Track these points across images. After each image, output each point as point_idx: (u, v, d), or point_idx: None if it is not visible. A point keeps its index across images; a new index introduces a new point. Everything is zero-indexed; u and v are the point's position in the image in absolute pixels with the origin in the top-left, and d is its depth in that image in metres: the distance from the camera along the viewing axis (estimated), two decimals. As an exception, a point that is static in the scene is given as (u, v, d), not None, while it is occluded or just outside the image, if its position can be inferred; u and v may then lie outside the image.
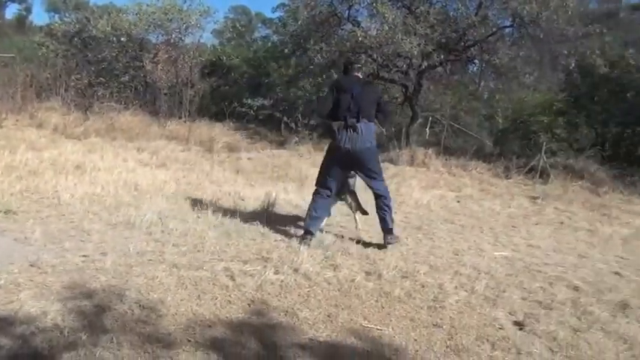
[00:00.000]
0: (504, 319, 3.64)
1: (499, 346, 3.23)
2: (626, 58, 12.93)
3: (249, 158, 9.93)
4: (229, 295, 3.51)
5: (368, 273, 4.22)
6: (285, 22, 15.63)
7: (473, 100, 16.59)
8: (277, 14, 16.06)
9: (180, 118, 13.59)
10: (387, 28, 11.28)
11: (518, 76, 12.47)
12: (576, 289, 4.42)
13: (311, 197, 5.07)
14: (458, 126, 16.07)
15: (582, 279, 4.73)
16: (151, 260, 4.08)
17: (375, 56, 12.45)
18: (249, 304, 3.42)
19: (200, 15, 15.09)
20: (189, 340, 2.89)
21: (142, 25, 14.65)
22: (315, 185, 5.10)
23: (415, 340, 3.20)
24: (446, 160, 11.57)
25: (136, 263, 3.99)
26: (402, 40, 10.96)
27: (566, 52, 11.57)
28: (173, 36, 15.09)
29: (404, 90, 13.75)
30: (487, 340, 3.29)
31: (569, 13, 10.87)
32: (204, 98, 15.49)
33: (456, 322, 3.51)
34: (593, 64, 12.48)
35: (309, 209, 4.99)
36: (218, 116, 15.06)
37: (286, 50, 14.74)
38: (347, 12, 13.20)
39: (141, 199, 6.02)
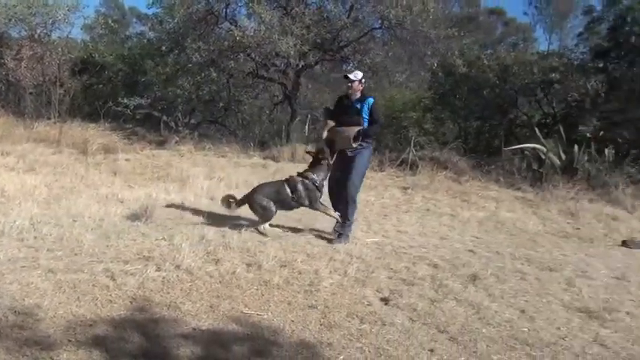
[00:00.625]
0: (372, 297, 4.06)
1: (367, 320, 3.62)
2: (481, 59, 14.31)
3: (127, 159, 9.69)
4: (110, 295, 3.57)
5: (248, 264, 4.45)
6: (161, 18, 15.26)
7: (350, 98, 17.37)
8: (153, 10, 15.64)
9: (49, 119, 12.80)
10: (264, 28, 11.54)
11: (389, 74, 13.30)
12: (435, 266, 5.00)
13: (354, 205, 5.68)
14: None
15: (441, 257, 5.34)
16: (24, 267, 3.98)
17: (253, 55, 12.67)
18: (130, 302, 3.50)
19: (68, 10, 14.29)
20: (69, 341, 2.93)
21: (2, 19, 13.58)
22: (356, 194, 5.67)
23: (292, 321, 3.49)
24: (324, 155, 12.05)
25: (8, 270, 3.88)
26: (278, 40, 11.28)
27: (429, 52, 12.57)
28: (38, 31, 14.15)
29: (283, 89, 14.10)
30: (356, 316, 3.67)
31: (431, 17, 11.84)
32: (75, 98, 14.68)
33: (330, 302, 3.86)
34: (453, 64, 13.67)
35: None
36: (92, 116, 14.37)
37: (163, 48, 14.42)
38: (224, 11, 13.26)
39: (9, 205, 5.74)
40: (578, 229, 8.07)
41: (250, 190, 5.81)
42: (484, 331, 3.65)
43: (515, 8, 63.06)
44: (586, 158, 11.90)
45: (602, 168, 11.54)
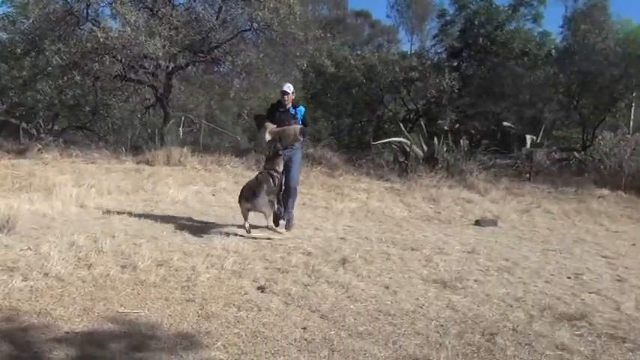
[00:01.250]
0: (249, 287, 4.25)
1: (243, 307, 3.80)
2: (348, 60, 15.07)
3: (-18, 171, 8.97)
4: (-27, 307, 3.41)
5: (123, 267, 4.43)
6: (13, 18, 14.18)
7: (225, 99, 17.38)
8: (3, 9, 14.47)
9: None
10: (129, 29, 11.22)
11: (261, 75, 13.53)
12: (309, 254, 5.31)
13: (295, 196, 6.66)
14: (213, 125, 16.71)
15: (314, 246, 5.67)
16: None
17: (120, 57, 12.25)
18: (-4, 313, 3.38)
19: None
20: None
21: None
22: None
23: (170, 315, 3.58)
24: (201, 157, 12.04)
25: None
26: (146, 41, 11.04)
27: (299, 53, 12.99)
28: None
29: (154, 91, 13.79)
30: (234, 305, 3.83)
31: (297, 19, 12.26)
32: None
33: (207, 295, 3.99)
34: (322, 65, 14.25)
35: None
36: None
37: (18, 50, 13.45)
38: (85, 11, 12.67)
39: None
40: (439, 212, 8.89)
41: (248, 194, 5.98)
42: (352, 307, 3.99)
43: (380, 11, 66.52)
44: (445, 149, 13.06)
45: (459, 157, 12.74)
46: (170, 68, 12.90)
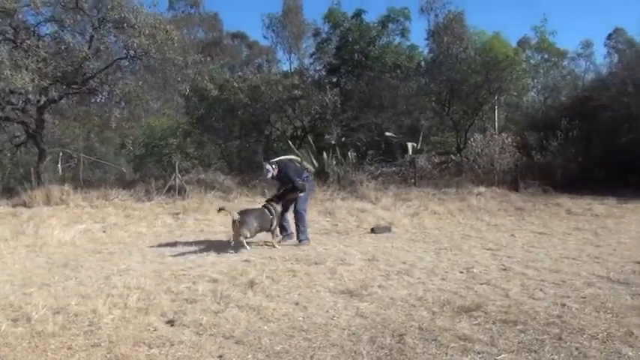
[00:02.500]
0: (157, 322, 4.12)
1: (154, 344, 3.69)
2: (230, 82, 15.07)
3: None
4: None
5: (15, 320, 4.11)
6: None
7: (105, 130, 16.60)
8: None
9: None
10: (-10, 64, 10.39)
11: (142, 103, 13.10)
12: (215, 280, 5.26)
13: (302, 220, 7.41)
14: (94, 158, 15.87)
15: (219, 272, 5.61)
16: None
17: (-18, 94, 11.28)
18: None
19: None
20: None
21: None
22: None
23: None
24: (86, 193, 11.40)
25: None
26: (11, 75, 10.28)
27: (179, 79, 12.77)
28: None
29: (25, 128, 12.84)
30: (144, 343, 3.70)
31: (175, 45, 12.07)
32: None
33: (114, 337, 3.81)
34: (205, 89, 14.13)
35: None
36: None
37: None
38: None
39: None
40: (336, 224, 9.16)
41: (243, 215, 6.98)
42: (265, 328, 4.01)
43: (256, 31, 67.11)
44: (334, 162, 13.49)
45: (348, 169, 13.22)
46: (42, 102, 12.07)
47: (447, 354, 3.48)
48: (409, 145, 14.87)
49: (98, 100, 14.38)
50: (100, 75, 12.46)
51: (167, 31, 11.83)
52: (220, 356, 3.51)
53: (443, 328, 3.92)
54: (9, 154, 14.63)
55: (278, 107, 15.81)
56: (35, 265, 6.16)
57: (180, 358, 3.48)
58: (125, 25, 11.65)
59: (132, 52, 12.09)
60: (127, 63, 13.02)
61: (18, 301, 4.56)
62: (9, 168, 14.42)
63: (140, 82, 12.62)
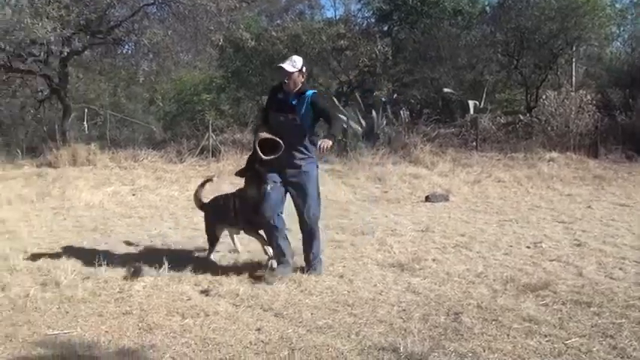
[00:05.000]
0: (191, 291, 4.28)
1: (188, 314, 3.83)
2: (269, 31, 15.05)
3: None
4: None
5: (44, 284, 4.34)
6: None
7: (132, 85, 16.96)
8: None
9: None
10: (10, 11, 10.70)
11: (172, 55, 13.29)
12: (252, 250, 5.37)
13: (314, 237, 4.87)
14: (121, 115, 16.27)
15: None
16: None
17: (2, 45, 11.66)
18: None
19: None
20: None
21: None
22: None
23: (106, 332, 3.55)
24: (113, 153, 11.76)
25: None
26: (32, 24, 10.57)
27: (212, 27, 12.84)
28: None
29: (48, 82, 13.25)
30: (177, 313, 3.86)
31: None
32: None
33: (145, 305, 3.98)
34: (241, 39, 14.17)
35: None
36: None
37: None
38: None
39: None
40: (386, 192, 9.17)
41: None
42: (307, 301, 4.11)
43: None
44: (385, 122, 13.39)
45: (400, 130, 13.11)
46: (64, 54, 12.40)
47: (508, 335, 3.48)
48: (471, 103, 14.59)
49: (124, 52, 14.68)
50: (125, 23, 12.67)
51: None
52: (258, 329, 3.62)
53: (505, 308, 3.91)
54: (32, 110, 15.16)
55: (321, 59, 15.73)
56: (63, 228, 6.45)
57: (216, 329, 3.60)
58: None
59: (159, -2, 12.22)
60: (154, 10, 13.20)
61: (46, 265, 4.80)
62: (32, 125, 14.97)
63: (169, 32, 12.77)
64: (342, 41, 15.33)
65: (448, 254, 5.34)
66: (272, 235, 4.80)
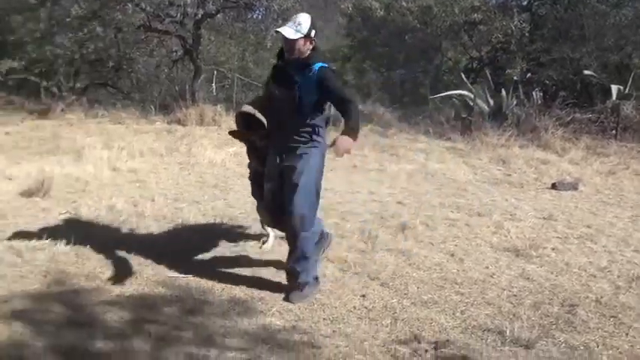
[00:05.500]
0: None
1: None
2: (399, 1, 14.90)
3: (6, 133, 9.52)
4: (20, 271, 3.76)
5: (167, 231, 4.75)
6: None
7: (260, 50, 17.54)
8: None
9: None
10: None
11: (301, 21, 13.53)
12: (364, 219, 5.50)
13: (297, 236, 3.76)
14: (247, 79, 16.91)
15: (370, 211, 5.86)
16: None
17: (143, 5, 12.52)
18: (44, 276, 3.72)
19: None
20: (-17, 319, 3.13)
21: None
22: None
23: (220, 281, 3.85)
24: (237, 116, 12.28)
25: None
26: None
27: (341, -5, 13.00)
28: None
29: (182, 42, 14.05)
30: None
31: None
32: None
33: (260, 261, 4.25)
34: (370, 8, 14.18)
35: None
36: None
37: (33, 0, 13.89)
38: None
39: None
40: (509, 175, 8.90)
41: None
42: (414, 275, 4.17)
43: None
44: (515, 103, 12.90)
45: (531, 112, 12.57)
46: (199, 16, 13.09)
47: (627, 334, 3.35)
48: (614, 88, 13.64)
49: (254, 17, 15.20)
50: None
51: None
52: (363, 295, 3.74)
53: (627, 306, 3.75)
54: (166, 70, 16.17)
55: (452, 33, 15.37)
56: (187, 182, 6.95)
57: (322, 291, 3.77)
58: None
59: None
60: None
61: (171, 214, 5.24)
62: (166, 84, 15.98)
63: (299, -1, 13.05)
64: (475, 15, 14.86)
65: (570, 245, 5.14)
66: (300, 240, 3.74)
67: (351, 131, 3.39)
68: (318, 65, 3.62)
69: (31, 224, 4.78)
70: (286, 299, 3.66)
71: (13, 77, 13.78)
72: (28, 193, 5.65)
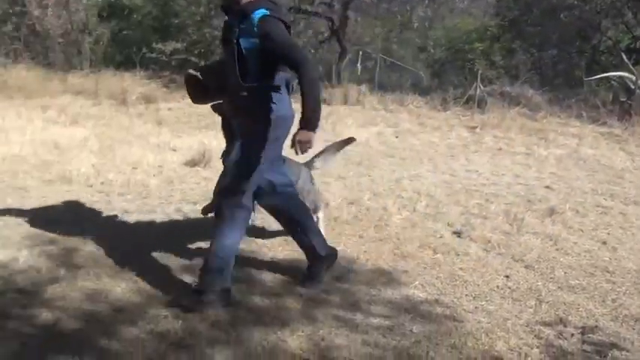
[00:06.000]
0: (444, 230, 4.55)
1: (439, 250, 4.12)
2: (557, -24, 14.13)
3: (169, 109, 10.41)
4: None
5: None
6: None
7: (405, 31, 17.49)
8: None
9: (81, 69, 13.63)
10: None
11: (447, 1, 13.35)
12: (509, 202, 5.42)
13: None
14: (391, 59, 16.98)
15: (515, 194, 5.75)
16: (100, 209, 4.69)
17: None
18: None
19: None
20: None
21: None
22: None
23: (365, 252, 4.04)
24: (381, 96, 12.44)
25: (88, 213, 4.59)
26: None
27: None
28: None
29: (330, 23, 14.38)
30: (429, 247, 4.17)
31: None
32: (105, 46, 15.49)
33: (401, 235, 4.38)
34: (524, -16, 13.60)
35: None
36: (125, 65, 15.13)
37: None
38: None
39: (66, 156, 6.48)
40: (673, 164, 8.23)
41: None
42: (562, 260, 4.07)
43: None
44: (683, 86, 11.80)
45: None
46: (347, -3, 13.34)
47: None
48: None
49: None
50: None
51: None
52: (507, 276, 3.75)
53: None
54: (312, 50, 16.63)
55: (614, 10, 14.29)
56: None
57: (465, 269, 3.82)
58: None
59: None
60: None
61: (320, 188, 5.49)
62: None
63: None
64: (642, -10, 13.72)
65: None
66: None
67: (308, 121, 2.96)
68: (259, 13, 2.98)
69: (195, 190, 5.27)
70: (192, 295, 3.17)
71: (175, 57, 14.89)
72: (192, 163, 6.22)
